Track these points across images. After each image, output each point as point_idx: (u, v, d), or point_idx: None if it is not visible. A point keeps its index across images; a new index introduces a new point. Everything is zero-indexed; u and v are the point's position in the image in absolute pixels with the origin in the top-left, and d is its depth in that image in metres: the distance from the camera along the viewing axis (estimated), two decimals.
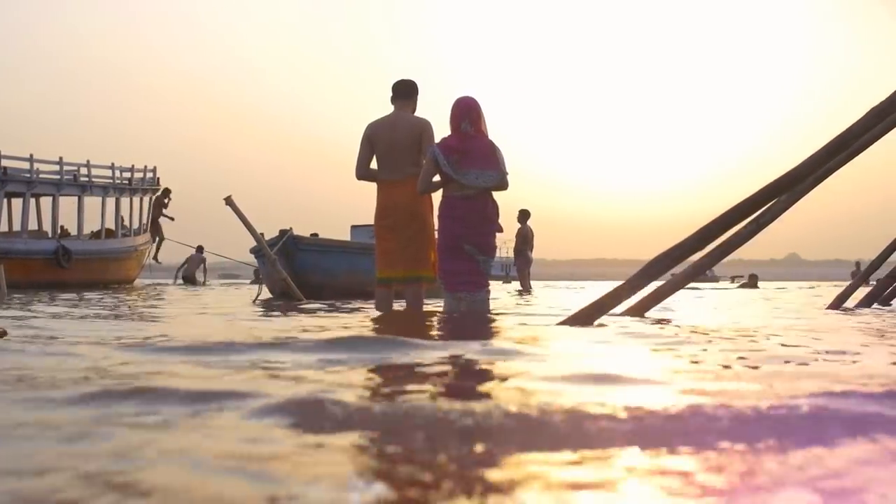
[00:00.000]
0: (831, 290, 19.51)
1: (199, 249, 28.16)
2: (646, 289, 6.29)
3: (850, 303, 9.33)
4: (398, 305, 7.98)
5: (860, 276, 9.41)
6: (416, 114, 7.78)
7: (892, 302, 9.95)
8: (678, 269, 6.60)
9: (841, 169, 5.97)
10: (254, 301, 10.49)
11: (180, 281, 28.39)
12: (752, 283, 25.86)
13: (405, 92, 7.83)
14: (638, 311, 6.48)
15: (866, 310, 8.69)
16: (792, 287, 29.35)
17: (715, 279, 29.76)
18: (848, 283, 10.53)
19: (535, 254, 19.59)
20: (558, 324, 5.70)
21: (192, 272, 28.68)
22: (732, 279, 30.56)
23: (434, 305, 8.19)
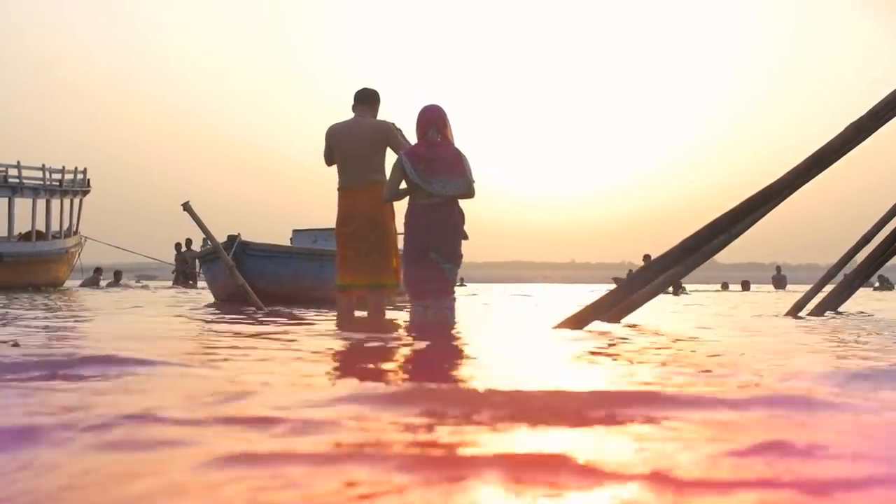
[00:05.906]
0: (762, 296, 20.03)
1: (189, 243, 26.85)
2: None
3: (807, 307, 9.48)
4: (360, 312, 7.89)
5: (816, 285, 9.56)
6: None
7: (839, 309, 10.13)
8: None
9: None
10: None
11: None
12: (675, 289, 25.57)
13: (365, 98, 7.77)
14: (615, 317, 6.61)
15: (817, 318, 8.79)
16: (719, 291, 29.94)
17: None
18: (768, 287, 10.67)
19: None
20: (553, 327, 6.28)
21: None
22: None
23: (393, 314, 8.09)
